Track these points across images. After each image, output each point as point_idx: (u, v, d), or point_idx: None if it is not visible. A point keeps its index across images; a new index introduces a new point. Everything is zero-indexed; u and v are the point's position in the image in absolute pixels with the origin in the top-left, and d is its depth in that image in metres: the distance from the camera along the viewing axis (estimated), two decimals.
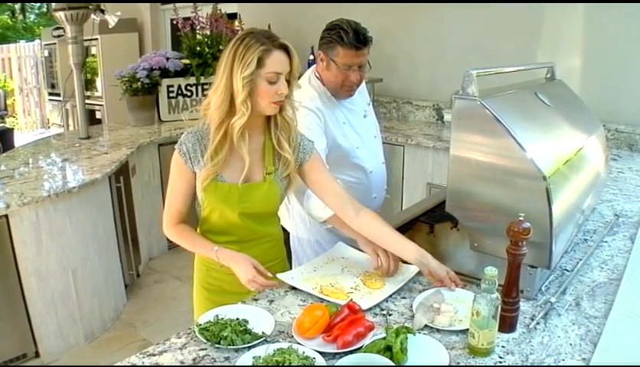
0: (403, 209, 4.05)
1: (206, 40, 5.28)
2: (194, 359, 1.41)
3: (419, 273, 1.81)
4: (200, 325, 1.50)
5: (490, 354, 1.39)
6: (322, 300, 1.67)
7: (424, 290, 1.75)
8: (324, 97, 2.32)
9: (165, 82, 5.23)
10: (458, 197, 1.74)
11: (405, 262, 1.83)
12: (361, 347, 1.40)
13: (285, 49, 1.69)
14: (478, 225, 1.72)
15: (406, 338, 1.38)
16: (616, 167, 3.24)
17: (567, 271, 1.84)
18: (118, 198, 3.89)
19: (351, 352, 1.39)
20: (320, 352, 1.39)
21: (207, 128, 1.75)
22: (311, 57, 4.92)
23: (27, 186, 3.22)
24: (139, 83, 4.99)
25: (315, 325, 1.46)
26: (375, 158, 2.48)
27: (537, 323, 1.53)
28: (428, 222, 2.06)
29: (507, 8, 4.18)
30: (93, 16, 4.52)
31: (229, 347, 1.43)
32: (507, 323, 1.48)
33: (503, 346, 1.43)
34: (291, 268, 2.26)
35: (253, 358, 1.36)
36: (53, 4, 4.40)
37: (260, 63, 1.64)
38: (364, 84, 2.45)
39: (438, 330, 1.51)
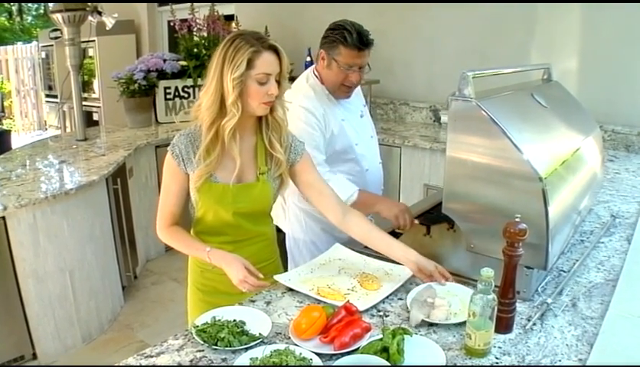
0: None
1: (203, 41, 5.28)
2: (191, 361, 1.41)
3: None
4: (198, 326, 1.50)
5: (486, 355, 1.39)
6: (319, 301, 1.67)
7: None
8: (322, 95, 2.33)
9: (162, 83, 5.23)
10: (455, 198, 1.75)
11: (394, 262, 1.85)
12: (358, 348, 1.40)
13: (274, 50, 1.71)
14: (475, 226, 1.73)
15: (403, 339, 1.39)
16: (613, 168, 3.24)
17: (564, 271, 1.85)
18: (115, 200, 3.89)
19: (348, 353, 1.39)
20: (317, 354, 1.39)
21: (200, 130, 1.76)
22: (308, 59, 4.91)
23: (25, 188, 3.21)
24: (136, 85, 4.98)
25: (312, 326, 1.46)
26: (372, 157, 2.50)
27: (534, 324, 1.53)
28: (424, 223, 2.06)
29: (503, 9, 4.18)
30: (90, 18, 4.51)
31: (226, 348, 1.43)
32: (503, 324, 1.49)
33: (499, 347, 1.44)
34: (285, 269, 2.27)
35: (250, 359, 1.36)
36: (50, 5, 4.40)
37: (250, 64, 1.66)
38: (359, 86, 2.47)
39: (435, 330, 1.51)
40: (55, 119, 8.22)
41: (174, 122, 5.23)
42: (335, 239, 2.20)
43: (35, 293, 3.15)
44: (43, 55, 8.31)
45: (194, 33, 5.33)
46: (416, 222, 2.11)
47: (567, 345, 1.43)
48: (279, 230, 2.50)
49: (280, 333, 1.53)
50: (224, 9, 5.73)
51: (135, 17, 6.92)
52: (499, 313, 1.44)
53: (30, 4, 16.34)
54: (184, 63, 5.25)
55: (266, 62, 1.68)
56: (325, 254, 2.04)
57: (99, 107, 6.78)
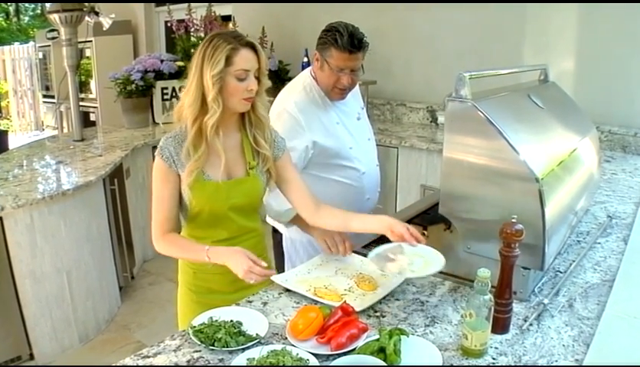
0: (397, 211, 4.06)
1: (200, 42, 5.26)
2: (188, 361, 1.41)
3: None
4: (195, 327, 1.51)
5: (483, 355, 1.40)
6: (316, 301, 1.67)
7: (417, 291, 1.76)
8: (316, 97, 2.32)
9: (159, 84, 5.23)
10: (452, 199, 1.75)
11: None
12: (355, 349, 1.40)
13: (251, 47, 1.76)
14: (471, 226, 1.73)
15: (400, 339, 1.39)
16: (609, 168, 3.25)
17: (560, 272, 1.85)
18: (112, 200, 3.89)
19: (345, 353, 1.40)
20: (314, 354, 1.39)
21: (185, 131, 1.78)
22: (305, 59, 4.92)
23: (22, 189, 3.21)
24: (133, 85, 4.99)
25: (309, 327, 1.47)
26: (368, 160, 2.48)
27: (530, 325, 1.54)
28: (421, 224, 2.06)
29: (501, 10, 4.19)
30: (87, 18, 4.52)
31: (223, 349, 1.43)
32: (500, 325, 1.49)
33: (496, 348, 1.44)
34: (282, 269, 2.27)
35: (247, 359, 1.36)
36: (47, 6, 4.40)
37: (228, 61, 1.71)
38: (357, 88, 2.47)
39: (432, 331, 1.52)
40: (52, 120, 8.22)
41: (171, 123, 5.20)
42: None
43: (32, 293, 3.14)
44: (40, 55, 8.31)
45: (192, 33, 5.33)
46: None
47: (564, 345, 1.44)
48: (275, 231, 2.50)
49: (277, 334, 1.53)
50: (221, 9, 5.74)
51: (132, 17, 6.92)
52: (496, 314, 1.45)
53: (27, 5, 16.32)
54: (181, 63, 5.25)
55: (244, 58, 1.73)
56: (322, 255, 2.04)
57: (96, 107, 6.78)
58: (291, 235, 2.46)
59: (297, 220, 2.13)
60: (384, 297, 1.71)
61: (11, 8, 16.55)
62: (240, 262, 1.68)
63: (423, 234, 1.95)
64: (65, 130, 7.18)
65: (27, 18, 17.34)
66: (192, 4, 5.37)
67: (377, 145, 2.65)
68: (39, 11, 15.08)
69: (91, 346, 3.48)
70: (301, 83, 2.36)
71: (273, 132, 1.93)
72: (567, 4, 3.87)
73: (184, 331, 1.54)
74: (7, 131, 9.06)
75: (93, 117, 6.80)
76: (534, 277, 1.73)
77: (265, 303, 1.70)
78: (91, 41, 6.20)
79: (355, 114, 2.47)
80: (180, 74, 5.22)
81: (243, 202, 1.87)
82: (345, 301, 1.59)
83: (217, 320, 1.53)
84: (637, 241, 2.09)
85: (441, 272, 1.84)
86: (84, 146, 4.45)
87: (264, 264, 1.70)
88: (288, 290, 1.77)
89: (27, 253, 3.09)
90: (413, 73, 4.92)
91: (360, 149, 2.42)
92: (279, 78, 5.18)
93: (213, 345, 1.43)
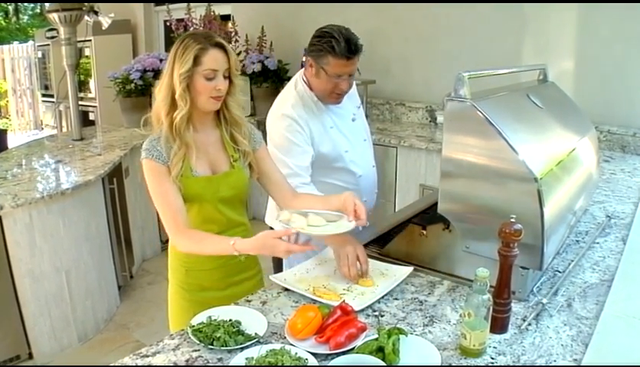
0: (396, 210, 4.06)
1: None
2: (186, 360, 1.41)
3: (412, 275, 1.83)
4: (194, 326, 1.51)
5: (482, 355, 1.40)
6: (315, 301, 1.67)
7: (416, 291, 1.76)
8: (309, 102, 2.30)
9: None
10: (451, 199, 1.75)
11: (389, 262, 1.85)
12: (354, 348, 1.40)
13: (221, 47, 1.79)
14: (470, 226, 1.73)
15: (398, 339, 1.39)
16: (608, 168, 3.25)
17: (559, 272, 1.85)
18: (111, 199, 3.89)
19: (344, 353, 1.40)
20: (312, 353, 1.39)
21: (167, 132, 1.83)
22: (304, 59, 4.90)
23: (21, 188, 3.21)
24: (133, 85, 4.98)
25: (308, 326, 1.47)
26: (365, 162, 2.47)
27: (529, 324, 1.54)
28: (420, 224, 2.05)
29: (500, 9, 4.19)
30: (86, 17, 4.51)
31: (222, 348, 1.43)
32: (498, 324, 1.49)
33: (495, 347, 1.44)
34: (280, 269, 2.27)
35: (246, 359, 1.36)
36: (46, 5, 4.39)
37: (197, 60, 1.75)
38: (354, 87, 2.44)
39: (431, 330, 1.52)
40: (51, 119, 8.21)
41: None
42: None
43: (31, 292, 3.14)
44: (39, 54, 8.31)
45: None
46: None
47: (562, 345, 1.44)
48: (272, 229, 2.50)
49: (276, 333, 1.53)
50: (221, 9, 5.73)
51: (131, 16, 6.91)
52: (494, 314, 1.45)
53: (26, 4, 16.30)
54: None
55: (212, 58, 1.76)
56: (321, 255, 2.04)
57: (95, 107, 6.77)
58: None
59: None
60: (383, 297, 1.72)
61: (11, 7, 16.52)
62: (274, 248, 1.63)
63: (422, 234, 1.96)
64: (64, 129, 7.17)
65: (26, 17, 17.31)
66: (191, 4, 5.36)
67: (376, 145, 2.65)
68: (38, 11, 15.07)
69: (90, 346, 3.48)
70: (294, 89, 2.34)
71: (249, 126, 1.97)
72: (566, 5, 3.87)
73: (182, 330, 1.54)
74: (6, 131, 9.06)
75: (92, 116, 6.79)
76: (533, 277, 1.73)
77: (264, 303, 1.70)
78: (90, 40, 6.21)
79: (350, 115, 2.45)
80: None
81: (231, 194, 1.90)
82: (344, 300, 1.59)
83: (215, 319, 1.53)
84: (636, 241, 2.09)
85: (440, 271, 1.85)
86: (83, 145, 4.45)
87: (299, 238, 1.72)
88: (286, 290, 1.77)
89: (26, 252, 3.09)
90: (412, 72, 4.92)
91: (355, 152, 2.41)
92: (279, 78, 5.18)
93: (211, 345, 1.44)
